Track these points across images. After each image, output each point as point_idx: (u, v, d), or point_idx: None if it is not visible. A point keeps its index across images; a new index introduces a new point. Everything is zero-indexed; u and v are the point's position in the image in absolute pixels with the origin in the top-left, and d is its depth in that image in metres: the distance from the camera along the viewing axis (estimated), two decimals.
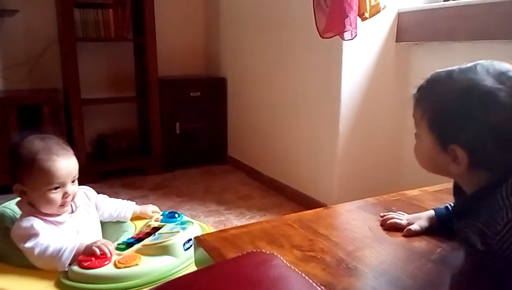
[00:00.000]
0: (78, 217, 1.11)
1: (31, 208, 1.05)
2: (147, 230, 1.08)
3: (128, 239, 1.05)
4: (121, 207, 1.23)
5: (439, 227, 0.86)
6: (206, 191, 2.42)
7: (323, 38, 1.67)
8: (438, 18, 1.73)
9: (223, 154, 2.95)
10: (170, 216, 1.14)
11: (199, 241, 0.86)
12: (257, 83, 2.54)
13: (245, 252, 0.57)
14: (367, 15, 1.61)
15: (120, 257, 0.95)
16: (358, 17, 1.61)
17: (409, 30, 1.86)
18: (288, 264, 0.54)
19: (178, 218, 1.13)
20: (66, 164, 1.04)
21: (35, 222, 1.01)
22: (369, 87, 1.90)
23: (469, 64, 0.67)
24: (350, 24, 1.55)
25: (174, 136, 2.77)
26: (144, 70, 2.65)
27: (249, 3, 2.53)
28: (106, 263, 0.93)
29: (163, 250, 0.97)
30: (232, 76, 2.83)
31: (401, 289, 0.67)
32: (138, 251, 0.98)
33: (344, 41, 1.71)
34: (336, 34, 1.60)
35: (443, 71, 0.68)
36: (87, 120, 2.57)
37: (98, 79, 2.78)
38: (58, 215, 1.07)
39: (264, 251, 0.57)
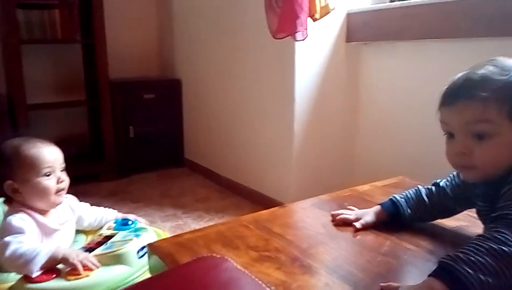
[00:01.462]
0: (63, 232, 1.08)
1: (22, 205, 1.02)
2: (99, 239, 1.04)
3: (79, 249, 1.01)
4: (101, 215, 1.20)
5: (388, 219, 0.89)
6: (163, 195, 2.38)
7: (275, 38, 1.68)
8: (385, 18, 1.79)
9: (180, 157, 2.91)
10: (123, 223, 1.11)
11: (153, 248, 0.84)
12: (212, 84, 2.53)
13: (197, 257, 0.57)
14: (317, 16, 1.65)
15: (69, 268, 0.91)
16: (309, 18, 1.64)
17: (358, 30, 1.91)
18: (239, 267, 0.54)
19: (132, 225, 1.09)
20: (50, 150, 1.06)
21: (27, 223, 0.98)
22: (322, 86, 1.94)
23: (484, 63, 0.72)
24: (302, 25, 1.58)
25: (128, 140, 2.69)
26: (94, 73, 2.56)
27: (203, 4, 2.51)
28: (53, 276, 0.89)
29: (116, 259, 0.94)
30: (187, 78, 2.79)
31: (353, 284, 0.69)
32: None
33: (296, 42, 1.73)
34: (288, 34, 1.62)
35: (475, 73, 0.70)
36: (34, 127, 2.45)
37: (45, 83, 2.65)
38: (49, 211, 1.05)
39: (214, 255, 0.56)
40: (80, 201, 1.23)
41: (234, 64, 2.29)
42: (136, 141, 2.72)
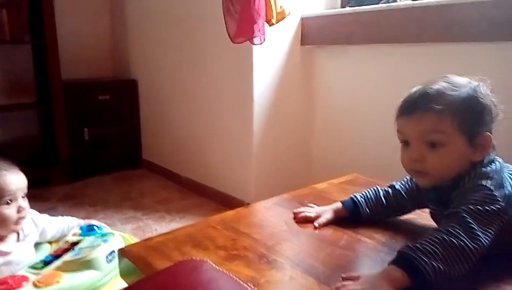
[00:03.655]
0: (25, 247, 1.05)
1: None
2: (66, 246, 1.04)
3: (46, 256, 1.01)
4: (63, 225, 1.19)
5: (347, 216, 0.96)
6: (122, 198, 2.35)
7: (234, 43, 1.73)
8: (337, 23, 1.89)
9: (138, 158, 2.88)
10: (88, 229, 1.12)
11: (123, 253, 0.86)
12: (170, 84, 2.53)
13: (177, 261, 0.60)
14: (274, 21, 1.71)
15: (39, 276, 0.91)
16: (266, 23, 1.70)
17: (312, 34, 2.00)
18: (217, 267, 0.58)
19: (98, 231, 1.10)
20: (15, 178, 1.05)
21: None
22: (279, 88, 2.01)
23: (437, 79, 0.79)
24: (259, 30, 1.63)
25: (83, 142, 2.64)
26: (45, 74, 2.48)
27: (158, 2, 2.50)
28: (24, 283, 0.89)
29: (86, 265, 0.95)
30: (143, 78, 2.77)
31: (316, 276, 0.76)
32: (58, 269, 0.95)
33: (254, 46, 1.78)
34: (246, 39, 1.67)
35: (431, 88, 0.77)
36: None
37: None
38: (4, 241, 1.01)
39: (194, 258, 0.60)
40: (34, 206, 1.21)
41: (192, 65, 2.30)
42: (91, 143, 2.67)
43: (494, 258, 0.74)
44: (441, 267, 0.65)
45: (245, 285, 0.53)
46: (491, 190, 0.72)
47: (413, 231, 0.92)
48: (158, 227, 1.98)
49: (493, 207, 0.70)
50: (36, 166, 2.57)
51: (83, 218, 1.95)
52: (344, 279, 0.70)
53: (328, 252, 0.84)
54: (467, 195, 0.73)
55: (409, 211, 0.96)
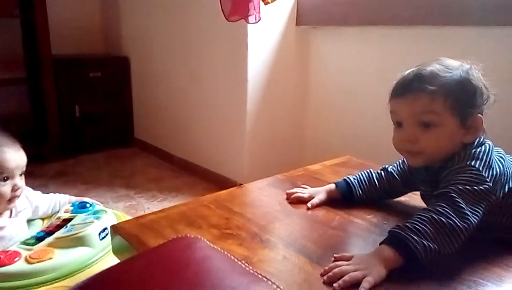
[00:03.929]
0: (17, 223, 1.05)
1: None
2: (58, 223, 1.04)
3: (38, 233, 1.01)
4: (54, 202, 1.19)
5: (340, 198, 0.97)
6: (114, 176, 2.35)
7: (228, 21, 1.70)
8: (332, 4, 1.87)
9: (130, 137, 2.86)
10: (81, 206, 1.11)
11: (116, 230, 0.86)
12: (163, 62, 2.49)
13: (170, 238, 0.60)
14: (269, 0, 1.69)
15: (32, 252, 0.91)
16: (261, 2, 1.67)
17: (307, 15, 1.97)
18: (212, 245, 0.58)
19: (90, 208, 1.10)
20: (15, 155, 1.04)
21: None
22: (274, 68, 1.99)
23: (430, 62, 0.80)
24: (254, 8, 1.61)
25: (74, 119, 2.61)
26: (35, 49, 2.43)
27: None
28: (16, 259, 0.89)
29: (78, 241, 0.95)
30: (136, 55, 2.73)
31: (308, 255, 0.76)
32: (50, 245, 0.95)
33: (248, 24, 1.76)
34: (241, 17, 1.65)
35: (424, 69, 0.78)
36: None
37: None
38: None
39: (188, 235, 0.61)
40: (26, 183, 1.20)
41: (186, 44, 2.27)
42: (82, 120, 2.64)
43: (482, 239, 0.76)
44: (431, 245, 0.66)
45: (240, 263, 0.54)
46: (480, 171, 0.73)
47: (405, 213, 0.93)
48: (151, 205, 1.98)
49: (481, 187, 0.71)
50: (26, 142, 2.54)
51: (75, 195, 1.97)
52: (336, 259, 0.71)
53: (320, 233, 0.85)
54: (456, 175, 0.74)
55: (401, 193, 0.97)
